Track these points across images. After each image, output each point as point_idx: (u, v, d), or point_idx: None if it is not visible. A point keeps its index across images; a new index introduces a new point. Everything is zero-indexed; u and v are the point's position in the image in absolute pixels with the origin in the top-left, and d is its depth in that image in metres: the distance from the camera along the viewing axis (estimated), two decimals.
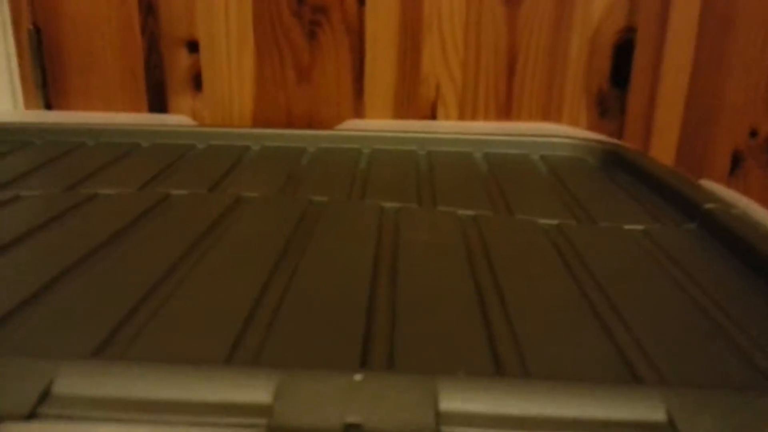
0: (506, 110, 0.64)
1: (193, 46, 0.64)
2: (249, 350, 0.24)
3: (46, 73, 0.65)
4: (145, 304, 0.28)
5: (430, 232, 0.39)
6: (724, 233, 0.37)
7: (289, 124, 0.66)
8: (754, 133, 0.63)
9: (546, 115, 0.64)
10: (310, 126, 0.65)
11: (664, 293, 0.31)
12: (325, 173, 0.51)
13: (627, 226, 0.40)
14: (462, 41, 0.62)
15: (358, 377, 0.20)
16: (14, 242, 0.35)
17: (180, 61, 0.65)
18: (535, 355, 0.25)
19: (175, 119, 0.65)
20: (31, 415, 0.19)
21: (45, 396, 0.20)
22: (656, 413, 0.20)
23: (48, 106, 0.66)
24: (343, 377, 0.20)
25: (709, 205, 0.40)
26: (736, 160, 0.64)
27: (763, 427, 0.20)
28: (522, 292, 0.30)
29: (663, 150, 0.64)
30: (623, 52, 0.62)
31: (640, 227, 0.39)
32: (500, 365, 0.24)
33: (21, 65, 0.65)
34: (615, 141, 0.58)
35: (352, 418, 0.19)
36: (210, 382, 0.20)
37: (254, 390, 0.20)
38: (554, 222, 0.40)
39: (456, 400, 0.20)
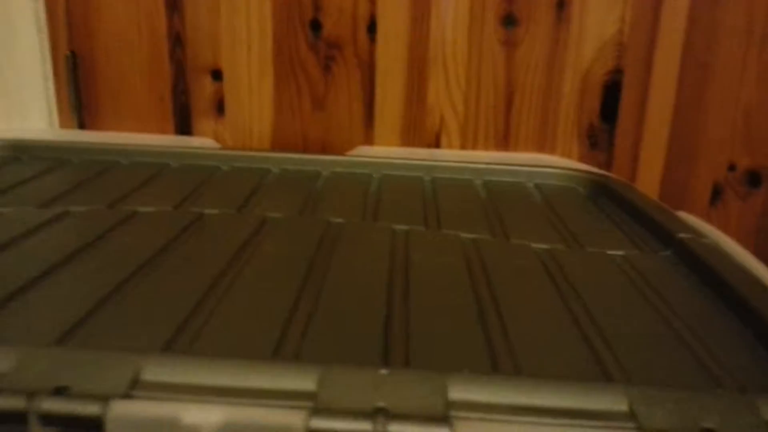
0: (504, 141, 0.69)
1: (216, 75, 0.70)
2: (290, 349, 0.30)
3: (80, 96, 0.71)
4: (199, 310, 0.33)
5: (436, 253, 0.44)
6: (693, 260, 0.42)
7: (305, 149, 0.71)
8: (732, 167, 0.69)
9: (541, 147, 0.69)
10: (323, 151, 0.71)
11: (637, 309, 0.36)
12: (340, 196, 0.56)
13: (610, 252, 0.45)
14: (464, 77, 0.68)
15: (383, 372, 0.25)
16: (75, 253, 0.40)
17: (205, 87, 0.70)
18: (526, 358, 0.30)
19: (200, 141, 0.70)
20: (126, 396, 0.24)
21: (135, 382, 0.25)
22: (620, 405, 0.25)
23: (81, 127, 0.71)
24: (372, 371, 0.25)
25: (682, 235, 0.45)
26: (716, 192, 0.69)
27: (704, 417, 0.25)
28: (515, 306, 0.36)
29: (648, 181, 0.69)
30: (612, 90, 0.68)
31: (620, 253, 0.45)
32: (497, 366, 0.29)
33: (57, 87, 0.70)
34: (603, 172, 0.63)
35: (380, 403, 0.24)
36: (266, 373, 0.25)
37: (302, 380, 0.25)
38: (546, 246, 0.46)
39: (461, 392, 0.25)
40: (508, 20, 0.66)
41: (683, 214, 0.52)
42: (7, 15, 0.68)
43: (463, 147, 0.70)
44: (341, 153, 0.69)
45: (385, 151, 0.70)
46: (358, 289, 0.37)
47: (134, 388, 0.24)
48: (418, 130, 0.70)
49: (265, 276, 0.39)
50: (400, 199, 0.56)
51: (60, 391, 0.23)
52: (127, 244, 0.43)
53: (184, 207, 0.51)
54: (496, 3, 0.66)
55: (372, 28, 0.67)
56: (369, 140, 0.71)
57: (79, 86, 0.70)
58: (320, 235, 0.46)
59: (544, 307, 0.36)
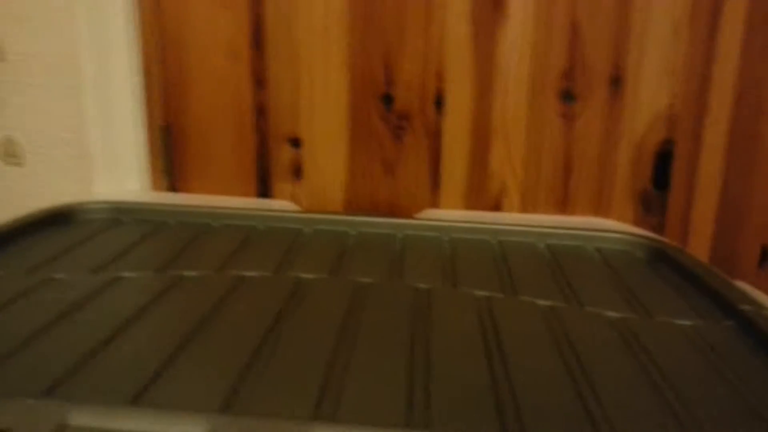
0: (563, 205, 0.75)
1: (295, 143, 0.76)
2: (419, 416, 0.34)
3: (171, 160, 0.77)
4: (331, 378, 0.38)
5: (521, 322, 0.48)
6: (758, 333, 0.46)
7: (374, 210, 0.77)
8: None
9: (597, 210, 0.74)
10: (391, 212, 0.76)
11: (714, 383, 0.40)
12: (419, 260, 0.61)
13: (677, 321, 0.49)
14: (524, 146, 0.73)
15: None
16: (204, 321, 0.46)
17: (284, 154, 0.77)
18: (623, 427, 0.34)
19: (280, 204, 0.77)
20: None
21: None
22: None
23: (171, 189, 0.78)
24: None
25: (744, 306, 0.49)
26: (765, 254, 0.73)
27: None
28: (604, 377, 0.40)
29: (699, 243, 0.74)
30: (664, 159, 0.73)
31: (688, 323, 0.49)
32: None
33: (151, 153, 0.77)
34: (659, 238, 0.68)
35: None
36: None
37: None
38: (618, 315, 0.50)
39: None
40: (567, 96, 0.72)
41: (740, 284, 0.56)
42: (110, 88, 0.75)
43: (523, 210, 0.75)
44: (409, 215, 0.75)
45: (451, 215, 0.75)
46: (460, 357, 0.42)
47: None
48: (480, 193, 0.75)
49: (377, 346, 0.44)
50: (473, 264, 0.61)
51: None
52: (246, 311, 0.48)
53: (282, 271, 0.57)
54: (555, 80, 0.71)
55: (439, 101, 0.73)
56: (435, 203, 0.76)
57: (171, 152, 0.77)
58: (412, 303, 0.51)
59: (631, 380, 0.40)
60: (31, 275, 0.53)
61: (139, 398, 0.35)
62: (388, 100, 0.74)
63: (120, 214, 0.71)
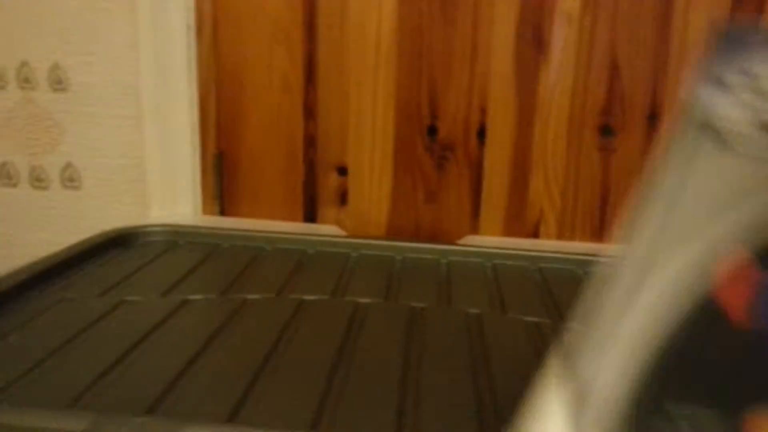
0: (599, 232, 0.77)
1: (342, 170, 0.80)
2: None
3: (223, 186, 0.81)
4: (402, 400, 0.41)
5: None
6: None
7: (416, 235, 0.80)
8: None
9: None
10: (433, 237, 0.80)
11: None
12: (465, 286, 0.64)
13: None
14: (563, 176, 0.77)
15: None
16: (277, 343, 0.49)
17: (331, 181, 0.80)
18: None
19: (327, 229, 0.80)
20: None
21: None
22: None
23: (221, 213, 0.82)
24: None
25: None
26: None
27: None
28: None
29: None
30: None
31: None
32: None
33: (203, 179, 0.81)
34: None
35: None
36: None
37: None
38: None
39: None
40: (605, 130, 0.75)
41: None
42: (168, 118, 0.79)
43: (559, 237, 0.78)
44: (450, 241, 0.78)
45: (492, 241, 0.78)
46: (519, 380, 0.45)
47: None
48: (519, 220, 0.78)
49: (442, 367, 0.47)
50: (517, 290, 0.64)
51: None
52: (313, 334, 0.51)
53: (338, 295, 0.60)
54: (594, 116, 0.75)
55: (482, 133, 0.77)
56: (474, 229, 0.79)
57: (223, 179, 0.81)
58: (465, 327, 0.54)
59: None
60: (104, 298, 0.57)
61: (234, 417, 0.38)
62: (432, 131, 0.78)
63: (176, 237, 0.75)
